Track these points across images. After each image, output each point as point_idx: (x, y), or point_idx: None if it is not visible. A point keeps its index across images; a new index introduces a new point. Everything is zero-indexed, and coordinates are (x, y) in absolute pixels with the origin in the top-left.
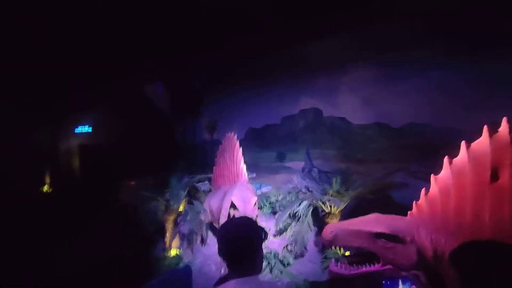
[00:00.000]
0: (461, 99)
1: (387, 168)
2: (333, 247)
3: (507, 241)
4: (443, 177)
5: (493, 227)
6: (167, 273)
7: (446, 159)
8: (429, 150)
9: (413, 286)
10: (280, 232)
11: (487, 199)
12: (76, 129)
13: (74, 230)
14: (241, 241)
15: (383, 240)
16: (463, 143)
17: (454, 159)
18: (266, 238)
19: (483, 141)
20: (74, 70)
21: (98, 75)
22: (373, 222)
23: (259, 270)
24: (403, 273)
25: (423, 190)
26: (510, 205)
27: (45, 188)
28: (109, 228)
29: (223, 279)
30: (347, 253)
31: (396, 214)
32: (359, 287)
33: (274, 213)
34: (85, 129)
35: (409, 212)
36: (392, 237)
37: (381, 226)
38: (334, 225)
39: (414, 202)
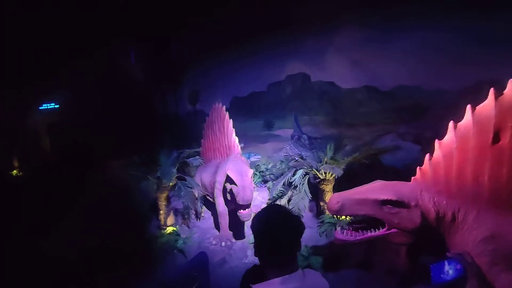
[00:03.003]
0: (451, 59)
1: (376, 131)
2: (326, 212)
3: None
4: (447, 141)
5: (491, 188)
6: (184, 264)
7: (451, 123)
8: (418, 112)
9: (458, 265)
10: (273, 201)
11: (487, 160)
12: (40, 107)
13: (63, 214)
14: (282, 237)
15: (389, 206)
16: (468, 107)
17: (458, 123)
18: (304, 230)
19: (488, 104)
20: (35, 41)
21: (63, 46)
22: (379, 189)
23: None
24: (448, 254)
25: (427, 156)
26: (508, 166)
27: (15, 172)
28: (100, 210)
29: (258, 276)
30: (346, 218)
31: (387, 175)
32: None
33: (265, 181)
34: (50, 106)
35: (412, 178)
36: (397, 203)
37: (386, 193)
38: (339, 195)
39: (418, 167)
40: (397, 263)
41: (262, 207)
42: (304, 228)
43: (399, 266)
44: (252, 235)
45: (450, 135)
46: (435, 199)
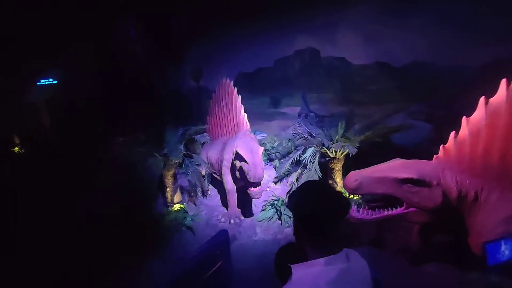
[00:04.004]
0: (469, 34)
1: (386, 109)
2: (337, 189)
3: None
4: (476, 118)
5: None
6: (206, 243)
7: (482, 99)
8: (431, 90)
9: None
10: (280, 179)
11: None
12: (38, 82)
13: (68, 192)
14: (327, 216)
15: (409, 185)
16: (503, 81)
17: (490, 98)
18: (349, 207)
19: None
20: (32, 15)
21: (61, 20)
22: (399, 168)
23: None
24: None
25: (452, 133)
26: None
27: (17, 149)
28: (106, 188)
29: (297, 255)
30: (355, 197)
31: (397, 154)
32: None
33: (270, 160)
34: (49, 81)
35: (435, 156)
36: (418, 182)
37: (408, 172)
38: (357, 173)
39: (441, 146)
40: (409, 241)
41: (300, 184)
42: (349, 205)
43: (411, 244)
44: (261, 213)
45: (480, 111)
46: (458, 178)
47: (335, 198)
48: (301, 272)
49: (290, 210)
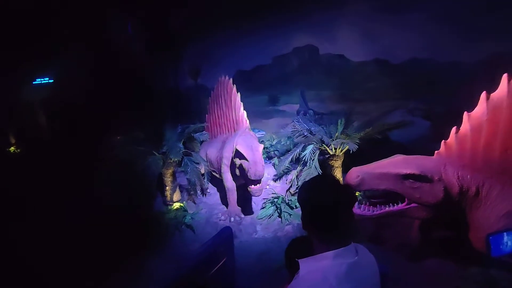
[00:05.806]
0: (467, 30)
1: (384, 106)
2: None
3: None
4: (477, 113)
5: None
6: (210, 240)
7: (483, 94)
8: (430, 87)
9: None
10: (279, 177)
11: None
12: (34, 81)
13: (68, 191)
14: (337, 209)
15: (411, 180)
16: (504, 76)
17: (492, 94)
18: (356, 200)
19: None
20: (29, 14)
21: (58, 17)
22: (400, 164)
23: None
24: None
25: (453, 129)
26: None
27: (12, 148)
28: (106, 187)
29: (305, 249)
30: (356, 194)
31: (394, 151)
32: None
33: (269, 158)
34: (45, 80)
35: (436, 152)
36: (420, 177)
37: (410, 167)
38: (359, 169)
39: (443, 141)
40: (408, 237)
41: (310, 178)
42: (356, 199)
43: (410, 240)
44: (261, 210)
45: (481, 106)
46: (460, 173)
47: (344, 190)
48: (309, 266)
49: (300, 204)
